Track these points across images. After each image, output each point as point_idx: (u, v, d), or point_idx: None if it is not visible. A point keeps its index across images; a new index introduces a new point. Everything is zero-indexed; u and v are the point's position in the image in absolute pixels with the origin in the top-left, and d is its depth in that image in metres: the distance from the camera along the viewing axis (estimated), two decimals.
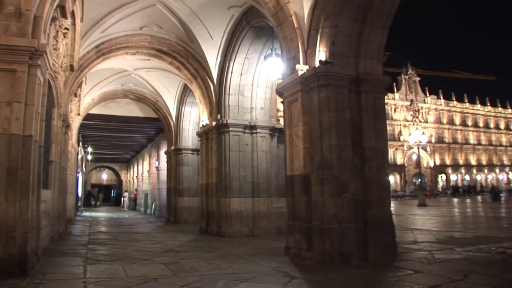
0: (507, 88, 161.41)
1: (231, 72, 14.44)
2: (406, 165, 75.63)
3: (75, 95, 15.53)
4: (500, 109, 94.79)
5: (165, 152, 23.62)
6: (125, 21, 13.87)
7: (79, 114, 18.44)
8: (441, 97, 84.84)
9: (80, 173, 30.87)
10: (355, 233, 8.26)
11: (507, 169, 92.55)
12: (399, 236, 10.26)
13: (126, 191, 47.55)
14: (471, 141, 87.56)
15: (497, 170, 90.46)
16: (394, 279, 6.78)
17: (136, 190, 42.63)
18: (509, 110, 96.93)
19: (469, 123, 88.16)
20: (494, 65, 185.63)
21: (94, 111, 22.13)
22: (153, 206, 29.22)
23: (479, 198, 49.58)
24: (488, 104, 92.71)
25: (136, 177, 41.14)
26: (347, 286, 6.66)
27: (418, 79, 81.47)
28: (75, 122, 18.62)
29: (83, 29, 12.30)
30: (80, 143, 27.00)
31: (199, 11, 13.40)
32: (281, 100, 9.82)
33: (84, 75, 15.08)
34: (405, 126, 75.87)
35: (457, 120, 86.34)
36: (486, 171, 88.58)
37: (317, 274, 7.27)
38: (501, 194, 45.85)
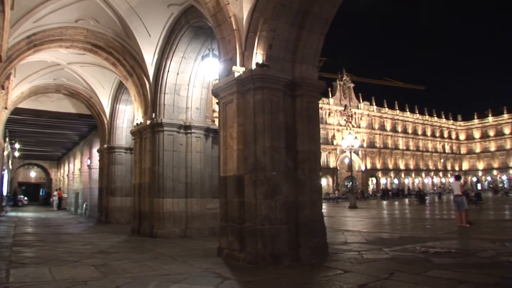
0: (434, 97, 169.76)
1: (168, 71, 14.26)
2: (338, 168, 77.66)
3: (2, 88, 14.79)
4: (427, 117, 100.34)
5: (98, 150, 23.04)
6: (60, 12, 13.34)
7: (6, 108, 17.58)
8: (374, 104, 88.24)
9: (6, 171, 29.43)
10: (287, 234, 8.39)
11: (432, 174, 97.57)
12: (331, 237, 10.54)
13: (56, 190, 45.82)
14: (400, 147, 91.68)
15: (423, 174, 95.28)
16: (324, 279, 6.94)
17: (60, 189, 41.28)
18: (435, 118, 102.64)
19: (399, 129, 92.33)
20: (423, 75, 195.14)
21: (23, 105, 21.17)
22: (84, 205, 28.35)
23: (407, 200, 51.66)
24: (417, 112, 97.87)
25: (67, 175, 39.79)
26: (278, 286, 6.73)
27: (352, 85, 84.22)
28: (2, 116, 17.78)
29: (13, 18, 11.65)
30: (7, 139, 25.75)
31: (138, 7, 13.15)
32: (217, 101, 9.82)
33: (13, 66, 14.38)
34: (338, 130, 78.01)
35: (388, 126, 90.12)
36: (413, 175, 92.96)
37: (249, 275, 7.34)
38: (426, 197, 48.09)
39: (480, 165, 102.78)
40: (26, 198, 45.60)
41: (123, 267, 7.99)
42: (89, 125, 25.97)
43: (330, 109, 78.58)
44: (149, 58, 14.57)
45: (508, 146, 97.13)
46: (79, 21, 14.28)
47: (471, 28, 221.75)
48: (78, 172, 32.62)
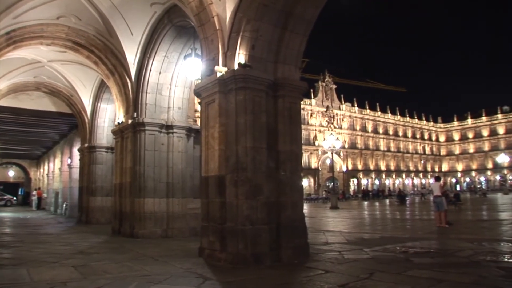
0: (415, 99, 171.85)
1: (150, 70, 14.17)
2: (320, 169, 78.14)
3: None
4: (408, 119, 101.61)
5: (78, 150, 22.81)
6: (40, 9, 13.15)
7: None
8: (355, 105, 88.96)
9: None
10: (268, 235, 8.39)
11: (412, 175, 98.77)
12: (312, 237, 10.59)
13: (35, 189, 45.21)
14: (382, 148, 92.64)
15: (404, 176, 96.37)
16: (305, 279, 6.97)
17: (39, 188, 40.81)
18: (416, 120, 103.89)
19: (380, 130, 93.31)
20: (404, 77, 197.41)
21: (2, 103, 20.80)
22: (64, 205, 28.04)
23: (387, 201, 52.16)
24: (398, 114, 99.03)
25: (47, 174, 39.33)
26: (259, 286, 6.74)
27: (334, 86, 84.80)
28: None
29: None
30: None
31: (120, 5, 13.04)
32: (199, 100, 9.80)
33: None
34: (320, 131, 78.44)
35: (369, 127, 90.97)
36: (394, 176, 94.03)
37: (231, 275, 7.33)
38: (407, 198, 48.58)
39: (459, 167, 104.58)
40: (15, 198, 44.93)
41: (103, 268, 7.92)
42: (69, 123, 25.65)
43: (312, 110, 78.98)
44: (131, 57, 14.45)
45: (486, 148, 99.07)
46: (60, 18, 14.10)
47: (452, 31, 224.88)
48: (58, 171, 32.28)
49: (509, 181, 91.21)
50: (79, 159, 22.85)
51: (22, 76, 19.15)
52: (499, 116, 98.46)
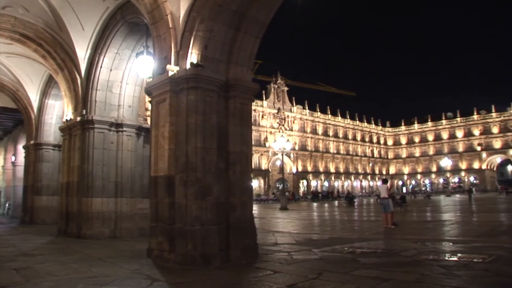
0: (364, 104, 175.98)
1: (101, 67, 13.88)
2: (270, 170, 78.71)
3: None
4: (357, 122, 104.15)
5: (24, 147, 22.05)
6: None
7: None
8: (306, 108, 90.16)
9: None
10: (217, 235, 8.41)
11: (361, 177, 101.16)
12: (261, 238, 10.67)
13: None
14: (331, 150, 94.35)
15: (353, 178, 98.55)
16: (254, 279, 7.02)
17: None
18: (365, 124, 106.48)
19: (330, 133, 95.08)
20: (355, 82, 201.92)
21: None
22: (7, 205, 27.11)
23: (336, 203, 53.18)
24: (348, 117, 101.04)
25: None
26: (208, 287, 6.75)
27: (286, 88, 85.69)
28: None
29: None
30: None
31: None
32: (150, 99, 9.69)
33: None
34: (271, 133, 78.96)
35: (320, 130, 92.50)
36: (343, 178, 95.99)
37: (179, 276, 7.30)
38: (355, 200, 49.67)
39: (406, 170, 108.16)
40: None
41: (47, 270, 7.72)
42: (14, 119, 24.82)
43: (263, 111, 79.44)
44: (82, 52, 14.09)
45: (431, 152, 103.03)
46: (6, 8, 13.55)
47: (402, 36, 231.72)
48: (1, 169, 31.18)
49: (451, 184, 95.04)
50: (24, 157, 22.06)
51: None
52: (444, 122, 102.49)
